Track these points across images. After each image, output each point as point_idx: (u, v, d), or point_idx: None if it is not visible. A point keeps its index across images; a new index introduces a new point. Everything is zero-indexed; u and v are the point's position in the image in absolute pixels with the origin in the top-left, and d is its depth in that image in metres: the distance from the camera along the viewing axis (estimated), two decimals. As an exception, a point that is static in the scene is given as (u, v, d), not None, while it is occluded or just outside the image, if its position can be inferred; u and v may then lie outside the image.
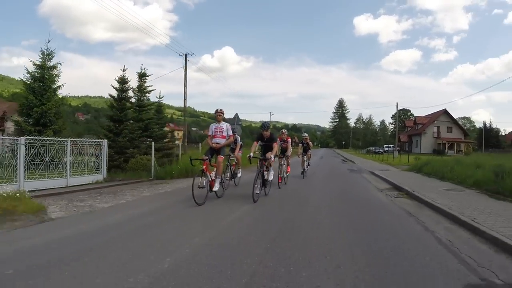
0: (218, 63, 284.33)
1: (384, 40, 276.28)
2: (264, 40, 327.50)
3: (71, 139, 9.86)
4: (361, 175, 14.83)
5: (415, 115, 65.88)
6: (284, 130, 11.44)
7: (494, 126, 72.25)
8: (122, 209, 6.24)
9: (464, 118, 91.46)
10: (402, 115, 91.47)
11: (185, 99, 25.11)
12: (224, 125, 7.63)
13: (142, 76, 14.72)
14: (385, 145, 58.83)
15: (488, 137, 61.83)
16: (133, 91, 14.45)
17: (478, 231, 4.64)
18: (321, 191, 9.36)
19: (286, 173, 10.49)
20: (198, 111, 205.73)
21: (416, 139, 54.07)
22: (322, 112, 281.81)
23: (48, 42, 11.86)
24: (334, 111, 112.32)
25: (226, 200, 7.16)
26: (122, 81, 13.88)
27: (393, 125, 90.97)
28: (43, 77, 11.55)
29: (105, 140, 11.13)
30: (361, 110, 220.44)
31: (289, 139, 10.99)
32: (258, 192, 7.13)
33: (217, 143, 7.33)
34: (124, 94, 14.01)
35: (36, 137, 8.80)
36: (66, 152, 9.25)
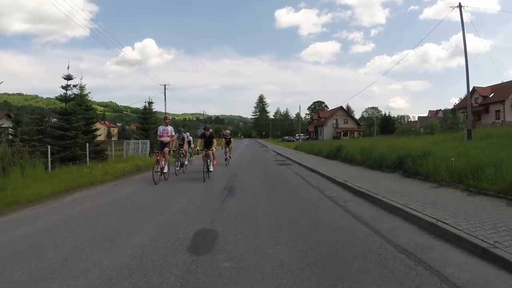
0: (139, 55, 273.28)
1: (305, 33, 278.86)
2: (185, 32, 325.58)
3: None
4: (267, 152, 23.81)
5: (328, 106, 79.19)
6: (227, 131, 16.68)
7: (402, 114, 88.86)
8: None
9: (372, 108, 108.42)
10: (318, 107, 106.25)
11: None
12: (169, 128, 9.99)
13: (68, 78, 15.05)
14: (296, 135, 70.17)
15: (386, 125, 77.93)
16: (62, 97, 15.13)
17: (324, 175, 13.00)
18: (247, 160, 17.41)
19: (226, 159, 14.29)
20: (120, 105, 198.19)
21: (320, 129, 66.23)
22: (245, 102, 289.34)
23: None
24: (255, 105, 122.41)
25: (180, 180, 9.55)
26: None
27: (308, 115, 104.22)
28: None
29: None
30: (282, 99, 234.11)
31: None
32: (205, 173, 9.46)
33: (164, 140, 9.70)
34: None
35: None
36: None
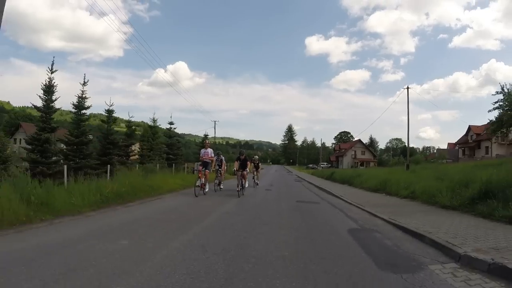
0: (171, 77, 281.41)
1: (334, 60, 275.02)
2: (217, 57, 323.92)
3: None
4: (291, 175, 34.15)
5: (355, 135, 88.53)
6: (256, 156, 21.38)
7: (431, 145, 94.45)
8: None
9: (396, 139, 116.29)
10: (344, 136, 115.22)
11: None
12: (209, 150, 11.90)
13: (109, 112, 18.70)
14: (320, 163, 79.75)
15: (404, 156, 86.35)
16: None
17: (314, 184, 23.39)
18: (277, 178, 27.90)
19: (255, 182, 16.98)
20: (152, 125, 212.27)
21: (340, 159, 75.58)
22: (274, 128, 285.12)
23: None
24: (284, 134, 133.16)
25: (217, 196, 11.25)
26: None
27: (333, 144, 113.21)
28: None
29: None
30: (311, 126, 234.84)
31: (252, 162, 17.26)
32: (239, 190, 11.40)
33: (206, 161, 11.47)
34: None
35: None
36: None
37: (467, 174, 9.53)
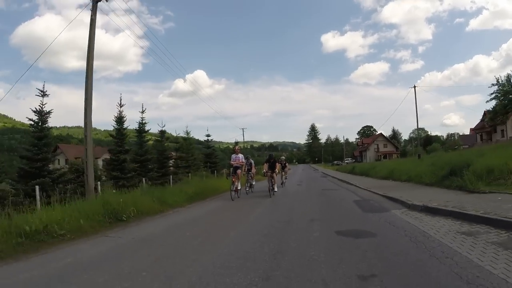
0: (191, 86, 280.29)
1: (352, 55, 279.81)
2: (234, 62, 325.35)
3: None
4: (317, 172, 37.62)
5: (378, 128, 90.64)
6: (282, 157, 23.00)
7: (455, 131, 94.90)
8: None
9: (420, 129, 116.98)
10: (367, 131, 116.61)
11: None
12: (240, 155, 12.90)
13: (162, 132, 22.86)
14: (345, 159, 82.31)
15: (426, 145, 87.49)
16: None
17: (336, 177, 26.90)
18: (302, 178, 31.52)
19: (282, 181, 18.33)
20: (176, 135, 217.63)
21: (364, 153, 77.87)
22: (297, 128, 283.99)
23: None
24: (308, 133, 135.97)
25: (250, 198, 12.11)
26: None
27: (357, 139, 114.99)
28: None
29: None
30: (334, 123, 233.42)
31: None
32: (271, 190, 12.32)
33: (237, 166, 12.30)
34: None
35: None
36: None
37: (454, 159, 12.83)
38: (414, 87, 30.56)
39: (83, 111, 10.28)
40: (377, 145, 76.38)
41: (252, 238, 5.33)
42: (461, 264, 3.42)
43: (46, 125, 14.47)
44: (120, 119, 19.59)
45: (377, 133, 79.14)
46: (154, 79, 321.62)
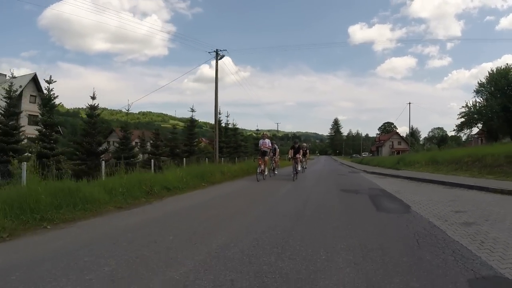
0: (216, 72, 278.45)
1: (379, 48, 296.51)
2: (260, 49, 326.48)
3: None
4: (336, 161, 49.29)
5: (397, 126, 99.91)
6: (304, 144, 23.67)
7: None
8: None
9: (438, 128, 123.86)
10: (387, 127, 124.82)
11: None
12: (267, 140, 14.16)
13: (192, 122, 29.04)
14: (362, 153, 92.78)
15: (439, 142, 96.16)
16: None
17: (356, 168, 38.47)
18: (322, 167, 43.14)
19: (303, 167, 19.70)
20: (201, 121, 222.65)
21: (380, 149, 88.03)
22: (320, 119, 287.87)
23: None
24: (331, 127, 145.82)
25: (275, 180, 13.30)
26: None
27: (377, 134, 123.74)
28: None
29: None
30: (357, 116, 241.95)
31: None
32: (294, 174, 13.33)
33: (265, 150, 13.61)
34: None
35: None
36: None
37: (406, 156, 24.20)
38: (409, 104, 40.98)
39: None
40: (392, 142, 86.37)
41: (288, 198, 8.29)
42: (375, 186, 14.95)
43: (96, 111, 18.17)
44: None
45: (397, 130, 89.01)
46: (180, 64, 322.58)
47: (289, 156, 15.08)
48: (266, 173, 13.39)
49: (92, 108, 18.05)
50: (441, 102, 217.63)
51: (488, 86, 32.88)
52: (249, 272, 3.03)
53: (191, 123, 28.87)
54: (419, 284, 2.73)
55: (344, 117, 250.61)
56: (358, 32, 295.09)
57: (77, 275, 2.97)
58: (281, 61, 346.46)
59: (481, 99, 34.11)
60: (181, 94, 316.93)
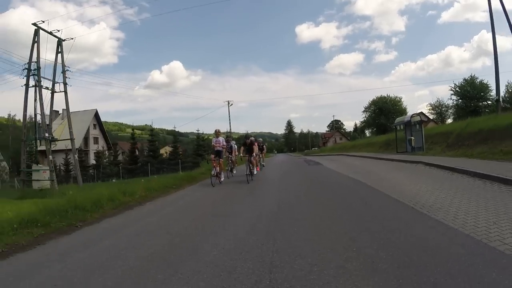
0: (167, 78, 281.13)
1: (327, 46, 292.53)
2: (210, 52, 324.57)
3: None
4: (292, 157, 64.16)
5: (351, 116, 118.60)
6: (260, 139, 22.51)
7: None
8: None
9: None
10: (335, 124, 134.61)
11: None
12: (220, 139, 12.66)
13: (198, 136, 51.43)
14: (312, 149, 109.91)
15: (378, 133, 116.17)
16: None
17: (302, 157, 54.19)
18: (283, 160, 58.36)
19: (261, 163, 18.93)
20: (156, 128, 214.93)
21: (326, 144, 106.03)
22: (273, 118, 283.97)
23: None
24: (285, 128, 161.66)
25: (234, 183, 12.28)
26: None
27: (326, 131, 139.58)
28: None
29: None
30: (310, 113, 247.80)
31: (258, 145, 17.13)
32: (248, 175, 11.93)
33: (218, 150, 12.17)
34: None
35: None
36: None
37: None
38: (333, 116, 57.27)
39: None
40: (335, 138, 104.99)
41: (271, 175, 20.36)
42: (308, 160, 30.19)
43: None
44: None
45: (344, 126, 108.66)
46: (131, 71, 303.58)
47: (241, 154, 13.52)
48: (222, 178, 12.28)
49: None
50: (390, 94, 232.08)
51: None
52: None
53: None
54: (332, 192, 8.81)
55: (297, 114, 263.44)
56: (306, 31, 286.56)
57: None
58: (231, 63, 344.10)
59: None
60: (133, 101, 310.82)
